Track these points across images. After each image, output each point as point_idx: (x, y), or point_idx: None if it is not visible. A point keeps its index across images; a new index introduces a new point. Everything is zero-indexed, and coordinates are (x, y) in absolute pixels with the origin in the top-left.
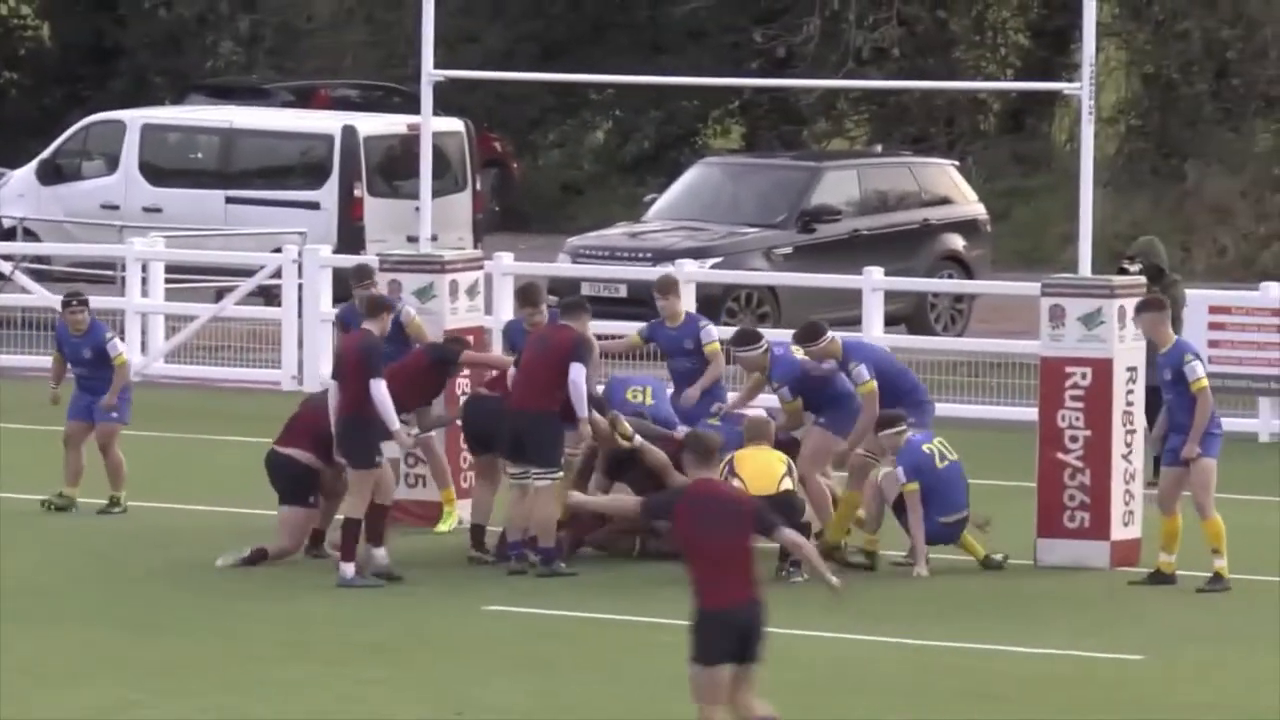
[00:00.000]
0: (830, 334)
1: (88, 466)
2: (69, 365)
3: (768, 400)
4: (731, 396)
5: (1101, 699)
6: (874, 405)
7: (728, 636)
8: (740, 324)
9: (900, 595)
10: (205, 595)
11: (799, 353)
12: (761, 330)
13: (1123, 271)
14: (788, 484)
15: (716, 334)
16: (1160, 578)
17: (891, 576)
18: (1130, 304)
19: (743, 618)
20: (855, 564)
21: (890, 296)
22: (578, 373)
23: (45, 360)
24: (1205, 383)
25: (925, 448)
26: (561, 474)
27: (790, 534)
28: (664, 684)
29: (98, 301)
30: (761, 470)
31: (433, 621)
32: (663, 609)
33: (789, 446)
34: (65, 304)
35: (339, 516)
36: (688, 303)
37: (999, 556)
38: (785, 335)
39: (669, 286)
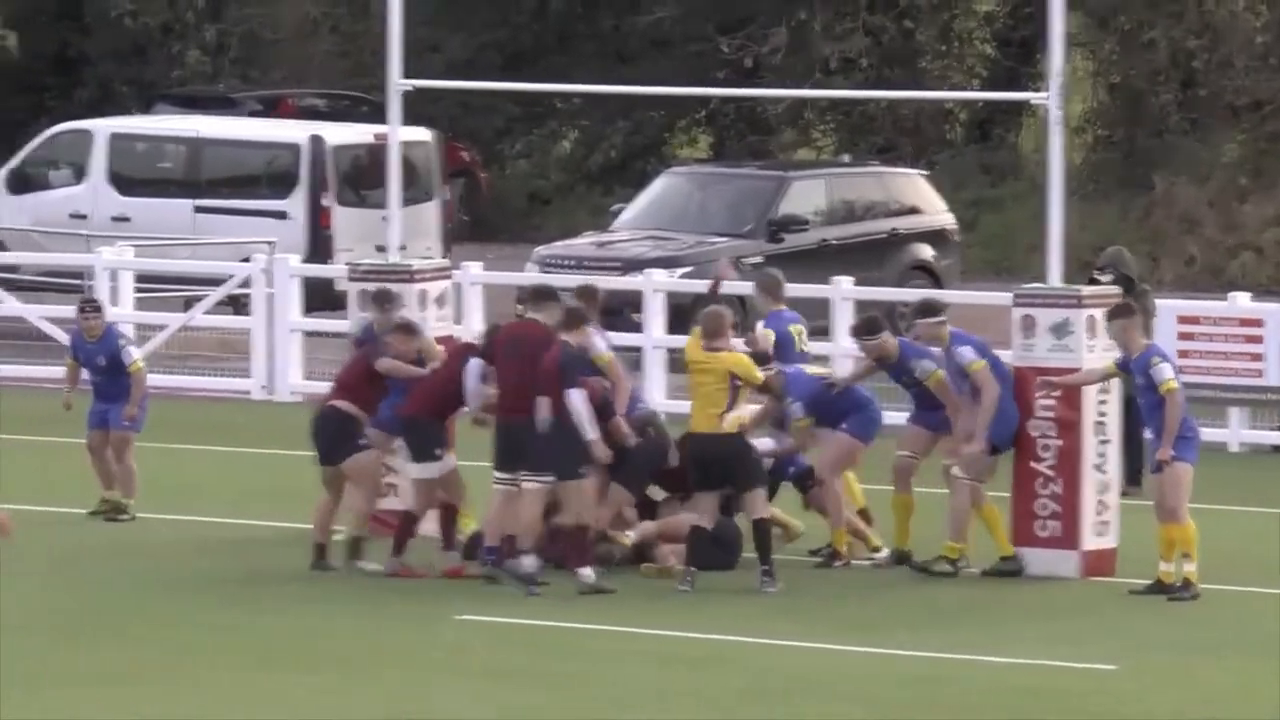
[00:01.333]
0: (886, 332)
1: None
2: (84, 371)
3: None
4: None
5: (1071, 708)
6: (986, 387)
7: None
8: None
9: (871, 604)
10: (171, 605)
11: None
12: (735, 342)
13: (1094, 282)
14: (730, 419)
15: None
16: (1160, 587)
17: (862, 587)
18: (1100, 314)
19: None
20: (941, 572)
21: (859, 306)
22: (573, 399)
23: (14, 370)
24: (1174, 384)
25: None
26: (550, 479)
27: None
28: (634, 692)
29: (67, 311)
30: (708, 394)
31: (403, 631)
32: (634, 618)
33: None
34: (80, 310)
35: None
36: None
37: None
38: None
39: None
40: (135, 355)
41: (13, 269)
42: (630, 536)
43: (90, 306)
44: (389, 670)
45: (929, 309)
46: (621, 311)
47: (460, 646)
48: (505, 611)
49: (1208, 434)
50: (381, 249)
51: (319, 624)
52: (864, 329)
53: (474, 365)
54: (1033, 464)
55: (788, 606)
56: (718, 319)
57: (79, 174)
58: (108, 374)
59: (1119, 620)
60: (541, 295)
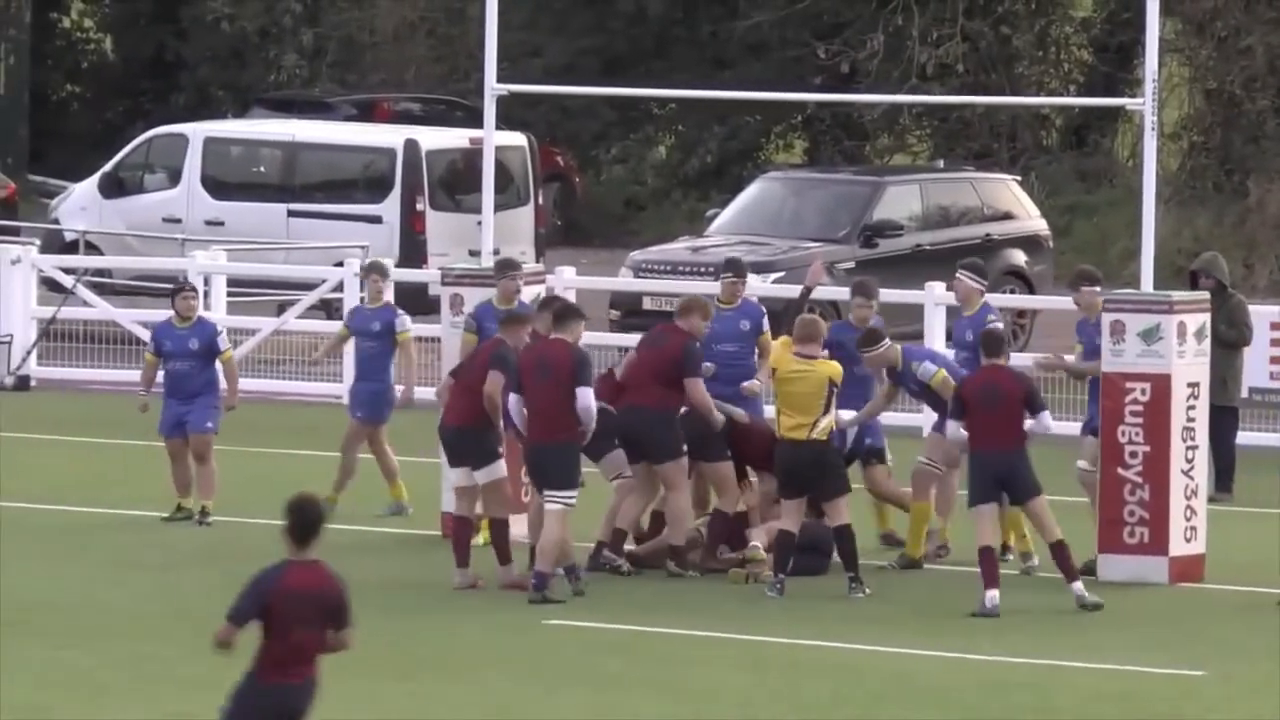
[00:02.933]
0: (888, 340)
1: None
2: (165, 364)
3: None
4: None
5: (1159, 714)
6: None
7: None
8: None
9: (957, 609)
10: None
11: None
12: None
13: (1195, 286)
14: (822, 427)
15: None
16: None
17: (948, 591)
18: (1191, 320)
19: None
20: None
21: (951, 312)
22: (586, 397)
23: (106, 374)
24: None
25: None
26: (574, 497)
27: None
28: (724, 698)
29: (161, 315)
30: (801, 404)
31: (493, 636)
32: (723, 624)
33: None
34: (178, 290)
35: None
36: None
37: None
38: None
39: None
40: (229, 343)
41: (106, 273)
42: (759, 547)
43: (189, 285)
44: (480, 676)
45: (1091, 278)
46: None
47: (551, 651)
48: (595, 617)
49: None
50: (475, 253)
51: (409, 629)
52: (865, 340)
53: (515, 401)
54: (1120, 470)
55: (874, 611)
56: (813, 326)
57: (174, 178)
58: (199, 360)
59: (1207, 626)
60: (565, 313)
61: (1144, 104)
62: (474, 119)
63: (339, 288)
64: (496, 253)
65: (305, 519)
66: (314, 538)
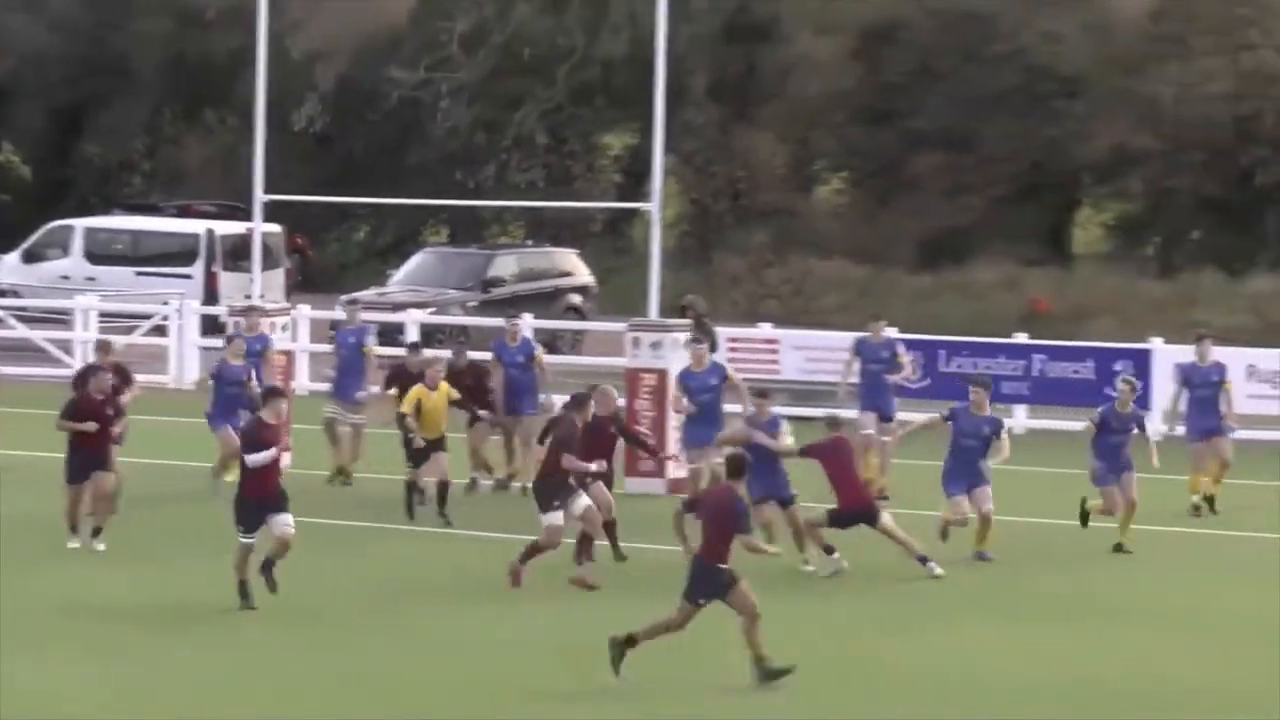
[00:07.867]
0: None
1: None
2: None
3: None
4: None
5: None
6: None
7: None
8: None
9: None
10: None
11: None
12: (467, 354)
13: (683, 313)
14: None
15: None
16: None
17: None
18: (680, 336)
19: None
20: None
21: (536, 334)
22: None
23: (19, 371)
24: None
25: None
26: None
27: None
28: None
29: (57, 334)
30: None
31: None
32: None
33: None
34: (245, 312)
35: None
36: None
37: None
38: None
39: None
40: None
41: (25, 309)
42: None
43: (251, 309)
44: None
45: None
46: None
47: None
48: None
49: None
50: (249, 297)
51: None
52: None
53: None
54: None
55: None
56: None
57: (66, 252)
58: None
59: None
60: None
61: (653, 207)
62: (249, 215)
63: (165, 318)
64: (262, 297)
65: None
66: None
